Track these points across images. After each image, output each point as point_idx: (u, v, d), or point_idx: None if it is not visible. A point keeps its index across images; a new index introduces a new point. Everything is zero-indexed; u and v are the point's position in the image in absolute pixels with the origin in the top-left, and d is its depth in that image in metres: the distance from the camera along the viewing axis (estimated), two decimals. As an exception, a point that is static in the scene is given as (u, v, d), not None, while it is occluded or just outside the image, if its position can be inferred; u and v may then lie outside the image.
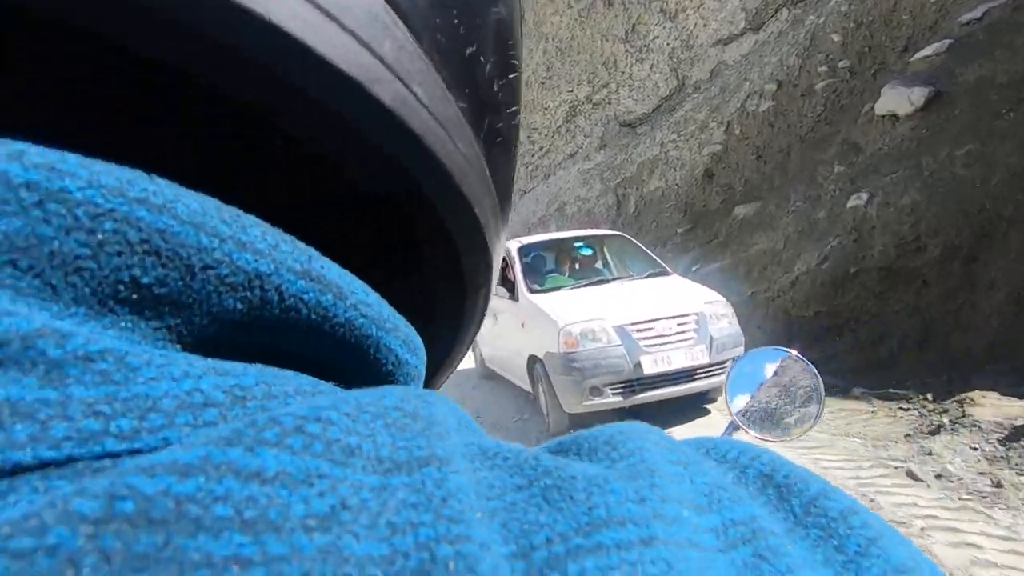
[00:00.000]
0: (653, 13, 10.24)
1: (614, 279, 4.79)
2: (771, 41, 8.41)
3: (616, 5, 10.89)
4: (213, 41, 0.12)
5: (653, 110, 10.47)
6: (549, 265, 5.42)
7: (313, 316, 0.14)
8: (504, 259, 5.42)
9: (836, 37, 7.26)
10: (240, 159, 0.15)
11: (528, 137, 13.94)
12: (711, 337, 3.89)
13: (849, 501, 0.14)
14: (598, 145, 11.68)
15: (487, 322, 5.47)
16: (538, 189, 13.57)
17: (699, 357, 3.80)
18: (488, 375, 5.77)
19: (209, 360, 0.11)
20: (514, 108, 0.21)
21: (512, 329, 4.71)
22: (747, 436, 0.79)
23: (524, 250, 5.17)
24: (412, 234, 0.19)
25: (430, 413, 0.12)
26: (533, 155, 13.93)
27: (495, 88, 0.19)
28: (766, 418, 0.79)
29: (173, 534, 0.08)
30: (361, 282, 0.15)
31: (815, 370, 0.75)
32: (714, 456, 0.15)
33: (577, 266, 5.19)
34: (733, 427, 0.81)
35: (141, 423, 0.10)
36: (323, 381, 0.14)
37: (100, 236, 0.11)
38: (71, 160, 0.11)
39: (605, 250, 5.55)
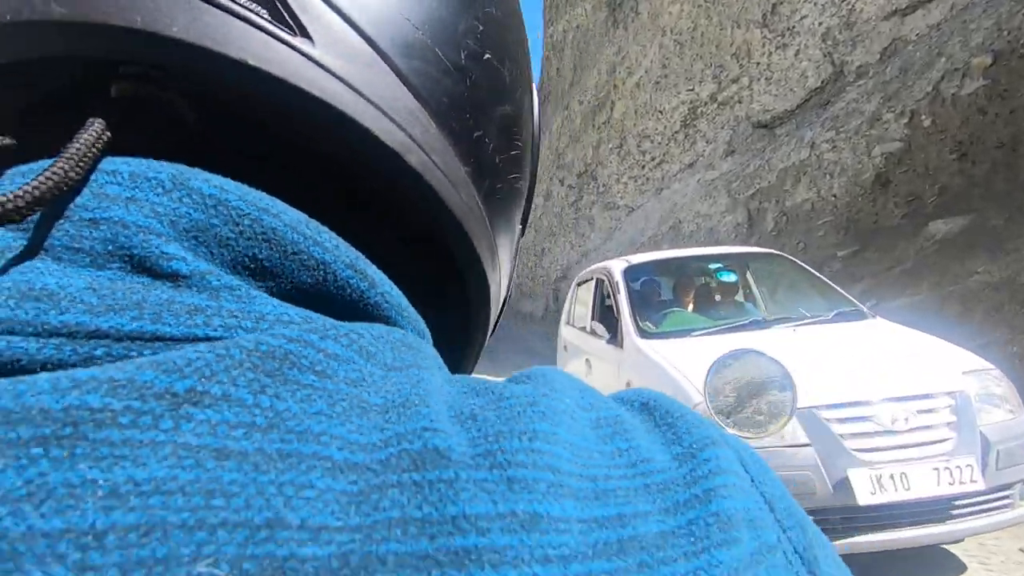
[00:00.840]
0: (800, -12, 8.32)
1: (774, 321, 3.07)
2: (978, 3, 6.27)
3: (751, -16, 9.08)
4: (330, 134, 0.22)
5: (798, 105, 8.45)
6: (666, 294, 3.80)
7: (353, 295, 0.21)
8: (604, 283, 3.87)
9: (1093, -17, 5.08)
10: (325, 193, 0.25)
11: (638, 146, 12.26)
12: (984, 439, 2.12)
13: (697, 419, 0.21)
14: (724, 151, 9.78)
15: (580, 366, 3.58)
16: (648, 205, 11.78)
17: (964, 477, 2.03)
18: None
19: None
20: (515, 175, 0.30)
21: (611, 385, 3.15)
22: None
23: (632, 273, 3.56)
24: (430, 256, 0.28)
25: (420, 347, 0.21)
26: (643, 167, 12.20)
27: (496, 160, 0.28)
28: (744, 417, 0.95)
29: (284, 366, 0.16)
30: (389, 280, 0.23)
31: (782, 366, 0.82)
32: (613, 397, 0.23)
33: (711, 298, 3.54)
34: None
35: (257, 324, 0.18)
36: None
37: (241, 227, 0.19)
38: (231, 184, 0.20)
39: (749, 276, 3.83)
